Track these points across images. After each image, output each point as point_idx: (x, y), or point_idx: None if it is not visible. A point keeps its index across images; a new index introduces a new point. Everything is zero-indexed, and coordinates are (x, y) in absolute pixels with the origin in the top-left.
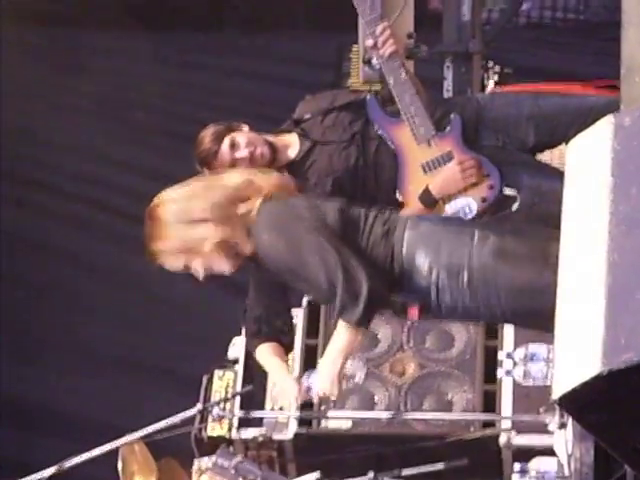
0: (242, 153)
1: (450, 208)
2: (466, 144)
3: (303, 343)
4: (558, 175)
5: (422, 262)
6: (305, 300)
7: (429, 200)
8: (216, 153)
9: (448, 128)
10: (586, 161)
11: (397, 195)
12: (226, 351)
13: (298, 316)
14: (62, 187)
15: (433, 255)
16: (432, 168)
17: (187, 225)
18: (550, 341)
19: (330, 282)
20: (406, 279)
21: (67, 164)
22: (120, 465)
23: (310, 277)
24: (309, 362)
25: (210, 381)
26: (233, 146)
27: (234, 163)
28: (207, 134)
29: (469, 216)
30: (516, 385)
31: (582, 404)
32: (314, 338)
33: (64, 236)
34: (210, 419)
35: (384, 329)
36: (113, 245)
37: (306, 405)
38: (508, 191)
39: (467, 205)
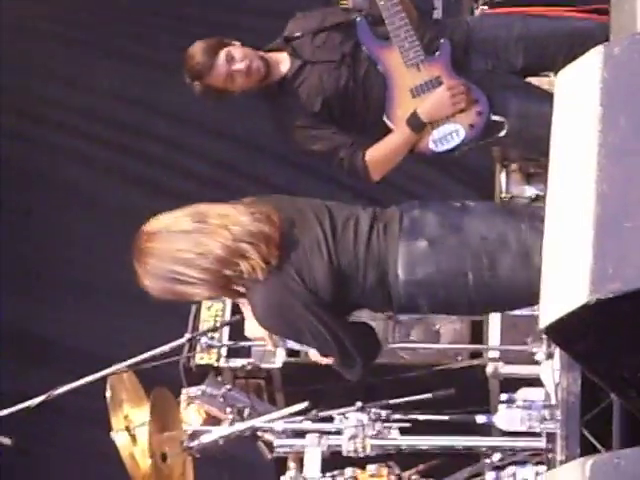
0: (239, 66)
1: (437, 133)
2: (455, 69)
3: None
4: (547, 98)
5: (422, 304)
6: None
7: (417, 124)
8: (211, 67)
9: (438, 53)
10: (575, 91)
11: (385, 119)
12: None
13: None
14: (63, 121)
15: (432, 299)
16: (420, 92)
17: (175, 283)
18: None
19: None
20: (405, 312)
21: (66, 97)
22: (109, 394)
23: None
24: None
25: (199, 311)
26: (229, 59)
27: (231, 76)
28: (198, 48)
29: (456, 142)
30: (503, 315)
31: (569, 333)
32: None
33: (65, 170)
34: (198, 348)
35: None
36: (114, 180)
37: None
38: (496, 118)
39: (455, 131)
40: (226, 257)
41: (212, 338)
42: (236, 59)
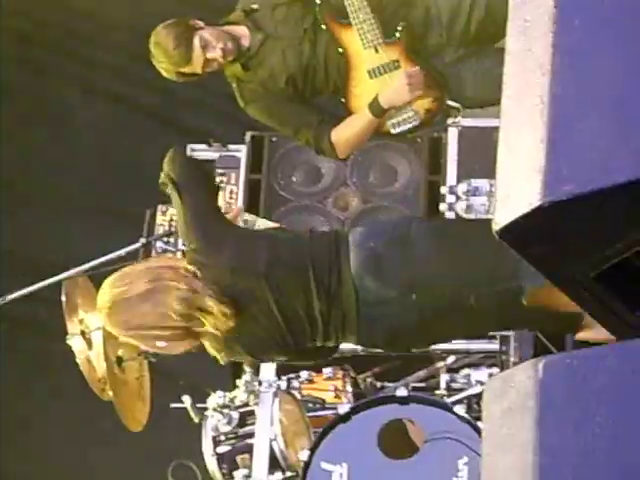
0: (216, 53)
1: (397, 116)
2: (413, 53)
3: (247, 178)
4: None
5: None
6: (248, 134)
7: (377, 110)
8: (189, 58)
9: (396, 35)
10: None
11: (341, 99)
12: None
13: (241, 151)
14: (62, 45)
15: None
16: (378, 74)
17: (154, 342)
18: (492, 175)
19: None
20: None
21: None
22: (64, 299)
23: None
24: (253, 198)
25: (153, 215)
26: (204, 46)
27: (208, 62)
28: (168, 38)
29: (413, 124)
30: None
31: (523, 236)
32: (257, 173)
33: (58, 93)
34: (154, 253)
35: (327, 163)
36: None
37: None
38: (451, 103)
39: (412, 116)
40: (187, 311)
41: (167, 242)
42: (210, 44)
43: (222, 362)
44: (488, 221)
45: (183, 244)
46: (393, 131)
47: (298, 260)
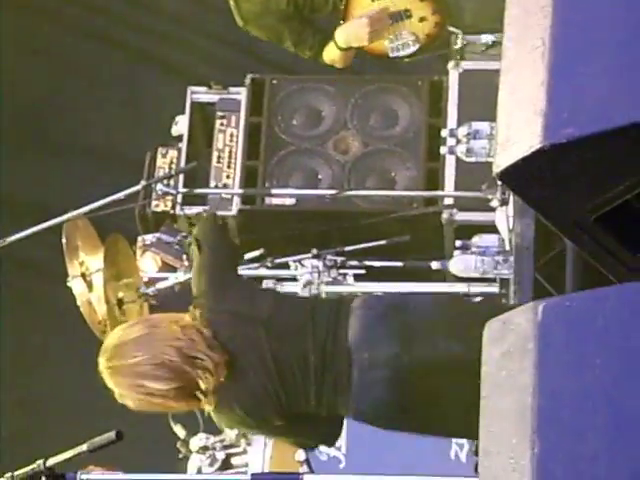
0: None
1: (396, 40)
2: None
3: (247, 121)
4: None
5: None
6: (248, 77)
7: (339, 46)
8: None
9: None
10: None
11: (340, 21)
12: (169, 129)
13: (241, 93)
14: None
15: None
16: None
17: (149, 397)
18: (493, 118)
19: None
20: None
21: None
22: (64, 241)
23: None
24: (253, 141)
25: (153, 158)
26: None
27: None
28: None
29: (412, 50)
30: (459, 162)
31: (523, 179)
32: (258, 116)
33: (57, 36)
34: (154, 196)
35: (328, 106)
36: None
37: (250, 183)
38: (452, 29)
39: (412, 40)
40: (181, 360)
41: (168, 185)
42: None
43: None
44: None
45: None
46: (391, 54)
47: (298, 315)
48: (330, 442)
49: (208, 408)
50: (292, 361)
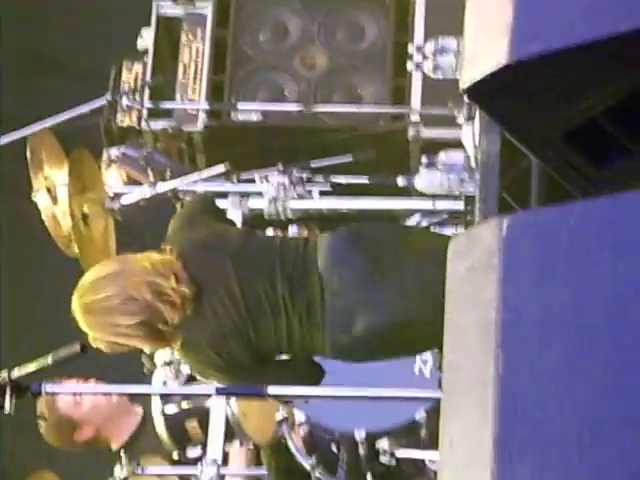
0: None
1: None
2: None
3: (213, 35)
4: None
5: None
6: None
7: None
8: None
9: None
10: None
11: None
12: (135, 43)
13: (207, 7)
14: None
15: None
16: None
17: (117, 336)
18: (461, 34)
19: None
20: None
21: None
22: (29, 154)
23: None
24: (219, 55)
25: (119, 72)
26: None
27: None
28: None
29: None
30: (425, 78)
31: (490, 95)
32: (224, 31)
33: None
34: (119, 110)
35: (294, 21)
36: None
37: (216, 98)
38: None
39: None
40: (151, 297)
41: (133, 99)
42: None
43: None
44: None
45: None
46: None
47: (266, 248)
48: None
49: (176, 347)
50: (260, 292)
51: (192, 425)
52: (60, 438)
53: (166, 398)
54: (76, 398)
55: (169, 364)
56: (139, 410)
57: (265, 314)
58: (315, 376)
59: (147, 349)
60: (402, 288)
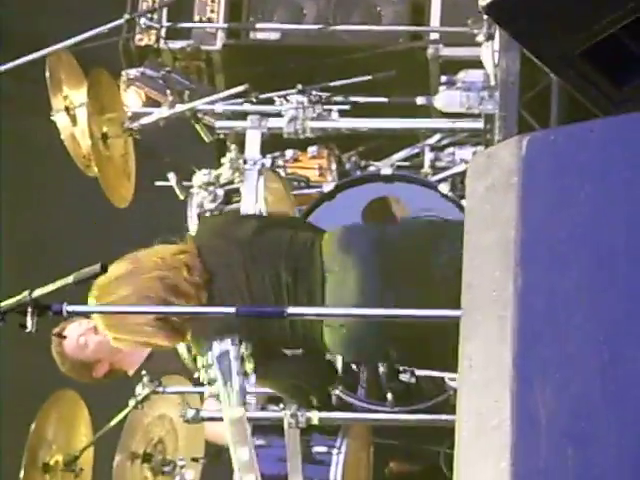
0: None
1: None
2: None
3: None
4: None
5: None
6: None
7: None
8: None
9: None
10: None
11: None
12: None
13: None
14: None
15: None
16: None
17: (135, 335)
18: None
19: None
20: None
21: None
22: (47, 74)
23: None
24: None
25: None
26: None
27: None
28: None
29: None
30: None
31: (510, 12)
32: None
33: None
34: (138, 29)
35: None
36: None
37: (234, 17)
38: None
39: None
40: (165, 293)
41: (151, 19)
42: None
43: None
44: None
45: None
46: None
47: (276, 243)
48: (330, 388)
49: (188, 337)
50: (265, 280)
51: None
52: (81, 377)
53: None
54: (79, 341)
55: (207, 186)
56: None
57: (268, 300)
58: (330, 374)
59: (166, 344)
60: (402, 296)
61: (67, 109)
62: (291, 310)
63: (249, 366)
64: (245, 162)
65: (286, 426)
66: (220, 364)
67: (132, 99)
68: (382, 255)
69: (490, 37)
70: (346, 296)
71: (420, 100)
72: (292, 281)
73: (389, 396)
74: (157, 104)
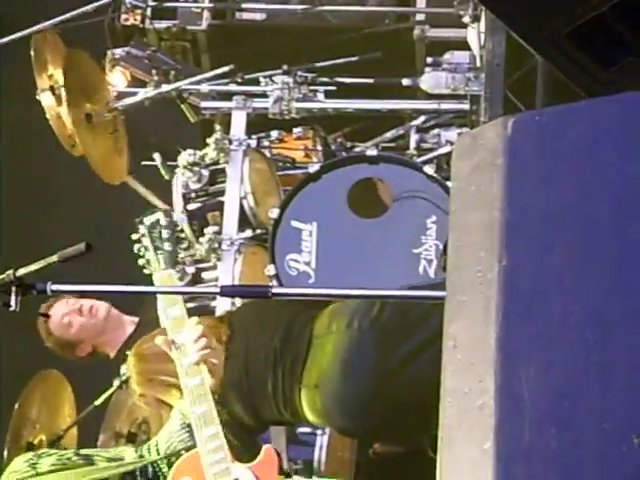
0: None
1: None
2: None
3: None
4: None
5: None
6: None
7: None
8: None
9: None
10: None
11: None
12: None
13: None
14: None
15: None
16: None
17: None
18: None
19: None
20: None
21: None
22: (32, 54)
23: None
24: None
25: None
26: None
27: None
28: None
29: None
30: None
31: None
32: None
33: None
34: (123, 9)
35: None
36: None
37: None
38: None
39: None
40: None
41: None
42: None
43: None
44: None
45: None
46: None
47: (277, 315)
48: None
49: None
50: (259, 345)
51: (213, 214)
52: (64, 354)
53: (188, 198)
54: (63, 320)
55: (192, 166)
56: (134, 319)
57: (258, 361)
58: None
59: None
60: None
61: (52, 88)
62: (276, 290)
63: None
64: (230, 142)
65: None
66: (151, 233)
67: (117, 79)
68: (371, 333)
69: (476, 19)
70: (325, 359)
71: (406, 81)
72: (280, 344)
73: None
74: (142, 84)
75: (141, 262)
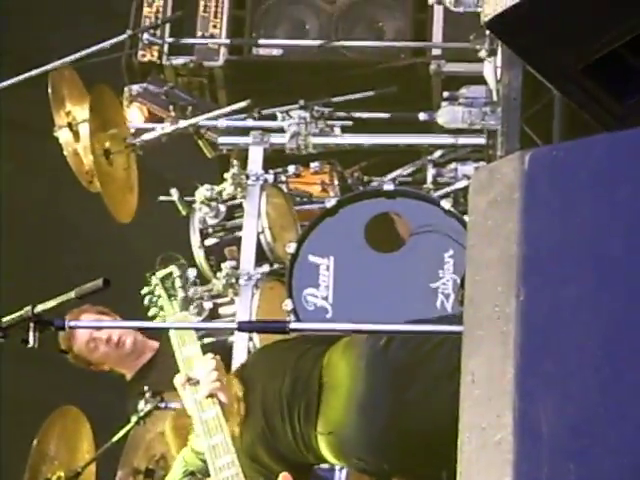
0: None
1: None
2: None
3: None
4: None
5: None
6: None
7: None
8: None
9: None
10: None
11: None
12: None
13: None
14: None
15: None
16: None
17: None
18: None
19: None
20: None
21: None
22: (50, 91)
23: None
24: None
25: (139, 7)
26: None
27: None
28: None
29: None
30: (447, 12)
31: (512, 28)
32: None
33: None
34: (140, 45)
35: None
36: None
37: (237, 33)
38: None
39: None
40: None
41: (154, 35)
42: None
43: None
44: None
45: None
46: None
47: (286, 356)
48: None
49: None
50: (273, 394)
51: (230, 249)
52: (78, 364)
53: (205, 234)
54: (89, 345)
55: (209, 201)
56: (154, 345)
57: (274, 411)
58: None
59: None
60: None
61: (70, 125)
62: (293, 325)
63: None
64: (247, 178)
65: None
66: (164, 283)
67: (135, 115)
68: (381, 371)
69: (492, 53)
70: (338, 404)
71: (422, 116)
72: (291, 391)
73: None
74: (160, 120)
75: (152, 313)
